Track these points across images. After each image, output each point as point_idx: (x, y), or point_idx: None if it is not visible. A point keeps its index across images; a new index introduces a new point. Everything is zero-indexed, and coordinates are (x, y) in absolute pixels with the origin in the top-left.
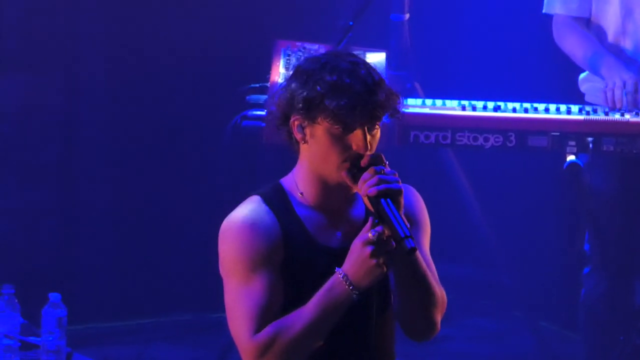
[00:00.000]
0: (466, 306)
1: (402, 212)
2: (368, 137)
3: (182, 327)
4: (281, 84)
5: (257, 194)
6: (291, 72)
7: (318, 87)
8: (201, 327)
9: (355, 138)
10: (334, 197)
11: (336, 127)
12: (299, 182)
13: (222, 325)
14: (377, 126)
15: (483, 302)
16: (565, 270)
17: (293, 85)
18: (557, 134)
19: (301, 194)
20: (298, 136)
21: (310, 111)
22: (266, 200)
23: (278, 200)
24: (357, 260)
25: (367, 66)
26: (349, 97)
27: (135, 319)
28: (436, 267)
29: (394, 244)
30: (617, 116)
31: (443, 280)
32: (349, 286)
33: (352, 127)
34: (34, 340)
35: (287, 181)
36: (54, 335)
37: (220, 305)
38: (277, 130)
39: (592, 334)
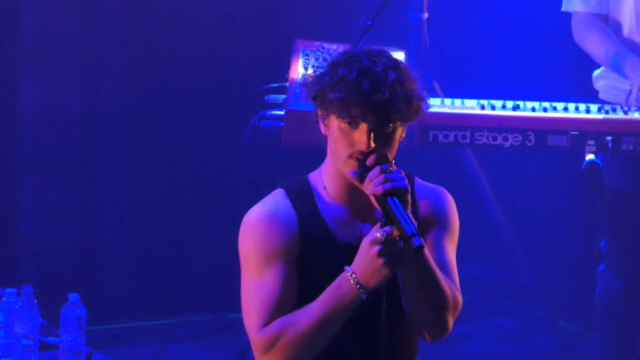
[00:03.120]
0: (485, 306)
1: (409, 210)
2: (372, 135)
3: (202, 328)
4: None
5: (283, 187)
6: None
7: (327, 79)
8: (220, 328)
9: (360, 134)
10: (355, 193)
11: (343, 120)
12: (324, 176)
13: (241, 325)
14: (390, 127)
15: (502, 301)
16: (585, 269)
17: (317, 74)
18: (577, 133)
19: (324, 188)
20: (321, 127)
21: (322, 102)
22: (289, 193)
23: (301, 194)
24: (364, 259)
25: (389, 66)
26: (349, 92)
27: (154, 319)
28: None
29: (402, 243)
30: (637, 115)
31: (462, 279)
32: (356, 285)
33: (356, 122)
34: (53, 340)
35: (313, 175)
36: (73, 335)
37: (240, 305)
38: (299, 129)
39: (608, 332)
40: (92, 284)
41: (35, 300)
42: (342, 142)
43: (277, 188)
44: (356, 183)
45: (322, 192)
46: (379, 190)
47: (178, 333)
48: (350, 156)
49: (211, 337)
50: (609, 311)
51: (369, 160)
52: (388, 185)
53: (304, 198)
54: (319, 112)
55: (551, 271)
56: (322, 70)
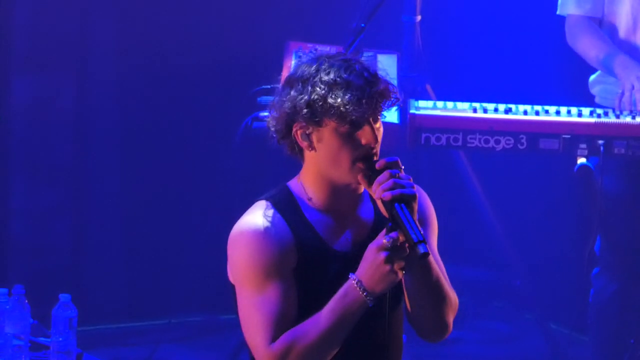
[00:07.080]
0: (477, 308)
1: (415, 217)
2: (374, 130)
3: (193, 329)
4: (274, 97)
5: (265, 198)
6: (283, 83)
7: (318, 89)
8: (212, 329)
9: (364, 132)
10: (342, 200)
11: (344, 125)
12: (307, 187)
13: (232, 326)
14: (379, 118)
15: (494, 304)
16: (577, 273)
17: (292, 93)
18: (568, 136)
19: (309, 199)
20: (304, 144)
21: (315, 114)
22: (275, 205)
23: (287, 205)
24: (371, 266)
25: (360, 61)
26: (352, 91)
27: (145, 320)
28: (447, 270)
29: (408, 249)
30: (629, 119)
31: (454, 282)
32: (363, 292)
33: (359, 122)
34: (44, 341)
35: (294, 185)
36: (64, 336)
37: (231, 306)
38: (278, 144)
39: (602, 335)
40: (83, 284)
41: (27, 300)
42: (344, 148)
43: (259, 198)
44: (365, 186)
45: (307, 202)
46: (388, 195)
47: (169, 334)
48: (357, 160)
49: (203, 338)
50: (603, 314)
51: (379, 164)
52: (397, 191)
53: (291, 208)
54: (300, 130)
55: (543, 274)
56: (289, 91)
